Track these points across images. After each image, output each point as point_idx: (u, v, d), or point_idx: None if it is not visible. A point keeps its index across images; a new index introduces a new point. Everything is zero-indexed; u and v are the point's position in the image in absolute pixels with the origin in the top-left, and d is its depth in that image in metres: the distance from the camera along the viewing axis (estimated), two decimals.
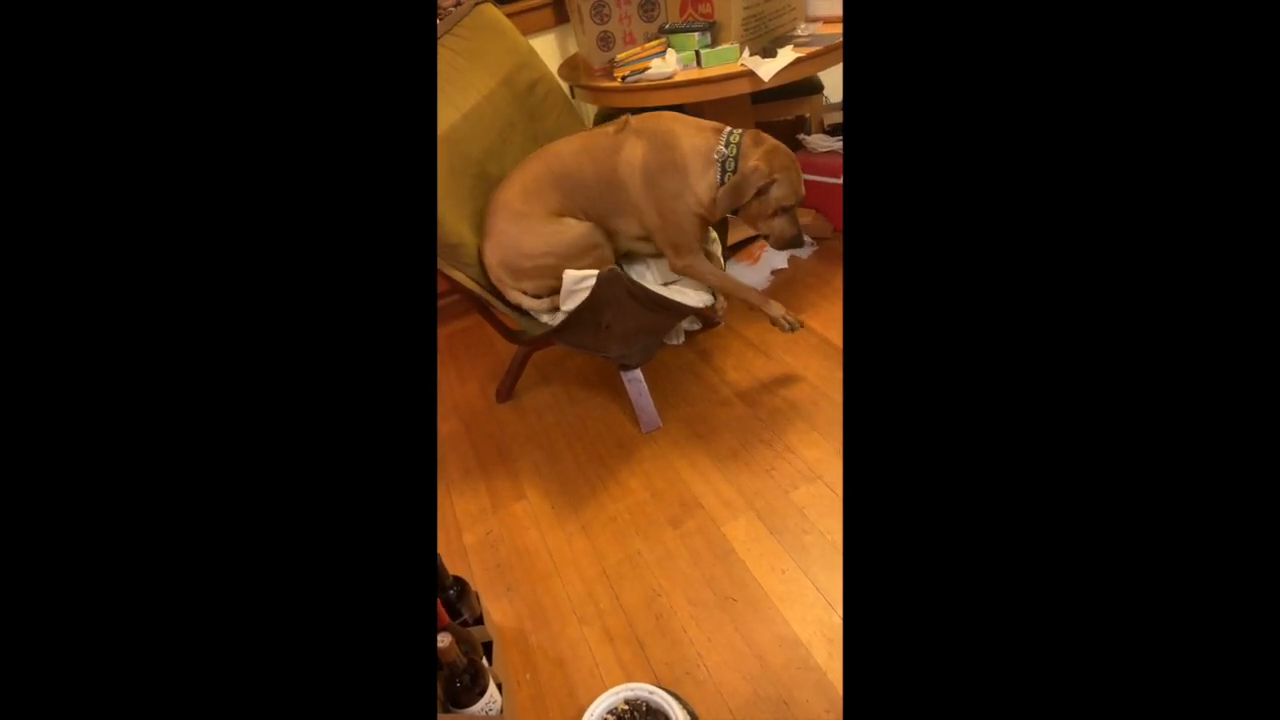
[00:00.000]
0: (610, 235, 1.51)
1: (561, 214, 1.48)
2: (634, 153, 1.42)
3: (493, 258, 1.47)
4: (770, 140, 1.38)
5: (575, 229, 1.46)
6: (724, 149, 1.37)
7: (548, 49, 2.13)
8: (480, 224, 1.59)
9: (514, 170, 1.53)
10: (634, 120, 1.44)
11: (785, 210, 1.39)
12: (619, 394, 1.72)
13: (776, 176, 1.35)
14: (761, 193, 1.36)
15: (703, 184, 1.39)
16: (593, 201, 1.47)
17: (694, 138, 1.39)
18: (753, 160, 1.35)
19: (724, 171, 1.38)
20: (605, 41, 1.81)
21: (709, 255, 1.55)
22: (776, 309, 1.54)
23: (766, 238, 1.45)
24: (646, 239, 1.50)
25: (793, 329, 1.54)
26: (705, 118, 1.83)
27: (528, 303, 1.49)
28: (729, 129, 1.40)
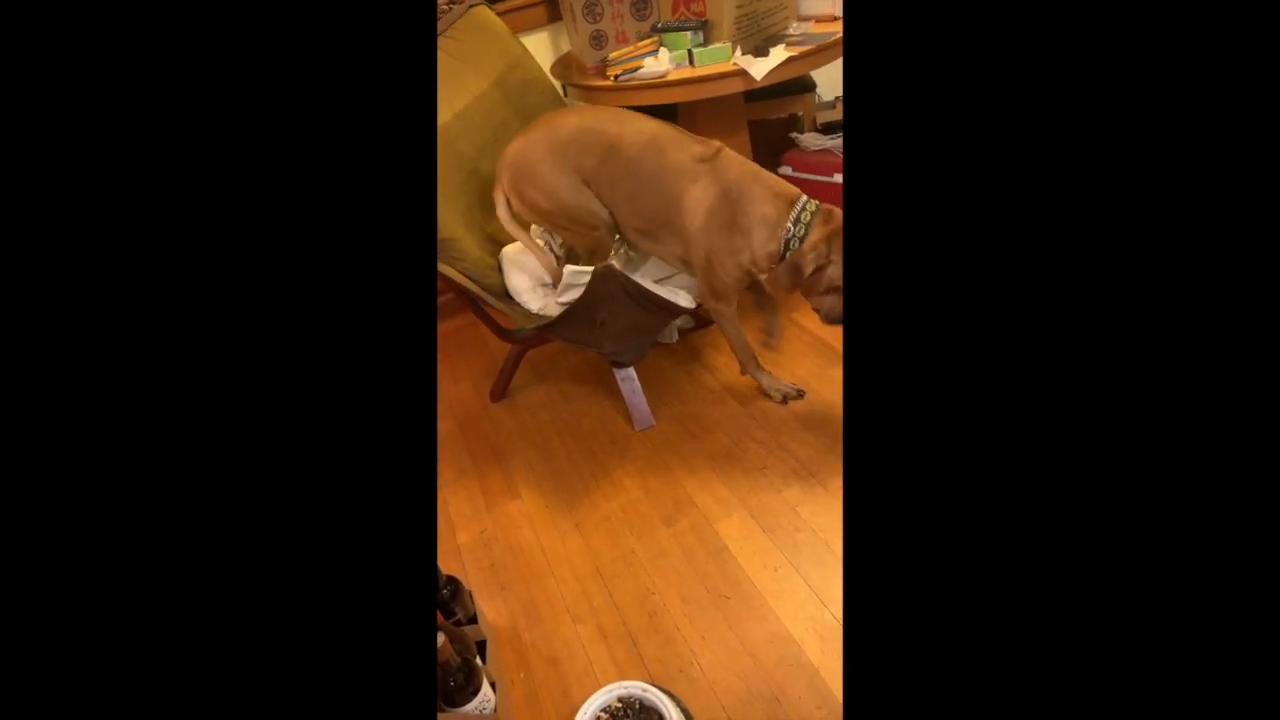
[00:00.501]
0: (623, 230, 1.49)
1: (587, 183, 1.44)
2: (707, 193, 1.37)
3: (511, 153, 1.45)
4: (839, 219, 1.35)
5: (589, 201, 1.44)
6: (792, 227, 1.34)
7: (540, 47, 2.13)
8: (474, 220, 1.59)
9: (583, 109, 1.47)
10: (723, 158, 1.38)
11: (838, 290, 1.37)
12: (612, 392, 1.72)
13: (834, 258, 1.33)
14: (817, 270, 1.34)
15: (762, 251, 1.37)
16: (631, 196, 1.42)
17: (766, 205, 1.35)
18: (813, 238, 1.33)
19: (787, 249, 1.35)
20: (598, 40, 1.81)
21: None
22: (768, 380, 1.61)
23: (817, 310, 1.42)
24: (684, 260, 1.47)
25: (785, 401, 1.60)
26: (699, 116, 1.84)
27: (501, 211, 1.48)
28: (805, 200, 1.36)
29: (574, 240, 1.51)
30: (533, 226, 1.74)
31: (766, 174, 1.39)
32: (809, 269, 1.32)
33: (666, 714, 1.00)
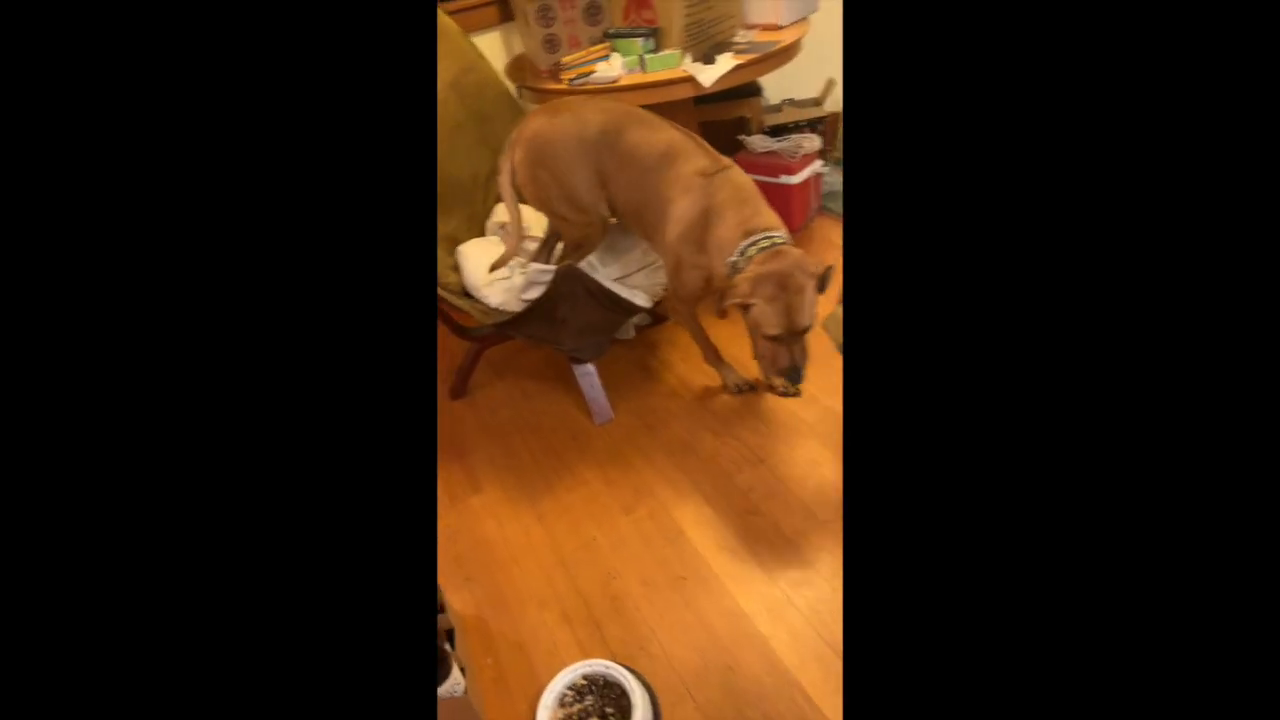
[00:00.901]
0: (625, 224, 1.53)
1: (603, 184, 1.46)
2: (691, 208, 1.37)
3: (533, 130, 1.46)
4: (778, 265, 1.25)
5: (598, 201, 1.48)
6: (738, 258, 1.31)
7: (492, 47, 2.14)
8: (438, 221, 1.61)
9: (609, 105, 1.46)
10: (721, 178, 1.36)
11: (768, 338, 1.29)
12: (572, 388, 1.77)
13: (753, 301, 1.26)
14: (742, 307, 1.29)
15: (718, 273, 1.37)
16: (639, 205, 1.44)
17: (728, 230, 1.33)
18: (744, 274, 1.28)
19: (732, 273, 1.33)
20: (551, 44, 1.85)
21: None
22: (727, 372, 1.70)
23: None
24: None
25: (739, 392, 1.68)
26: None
27: (504, 178, 1.49)
28: (762, 235, 1.30)
29: (566, 230, 1.54)
30: (491, 222, 1.77)
31: (754, 204, 1.36)
32: (726, 304, 1.30)
33: (629, 688, 1.07)
